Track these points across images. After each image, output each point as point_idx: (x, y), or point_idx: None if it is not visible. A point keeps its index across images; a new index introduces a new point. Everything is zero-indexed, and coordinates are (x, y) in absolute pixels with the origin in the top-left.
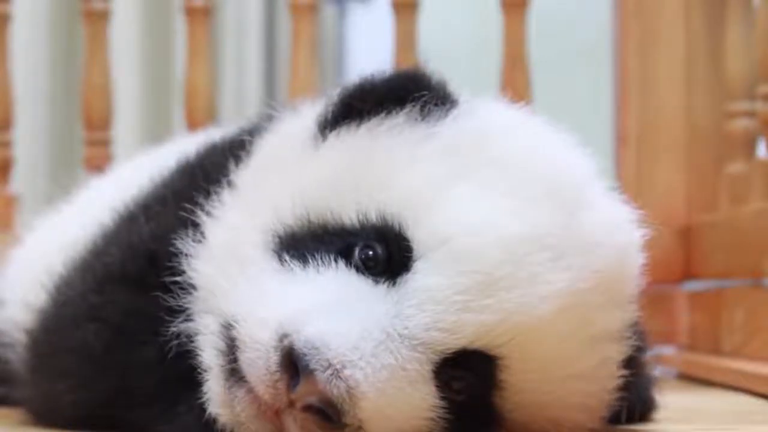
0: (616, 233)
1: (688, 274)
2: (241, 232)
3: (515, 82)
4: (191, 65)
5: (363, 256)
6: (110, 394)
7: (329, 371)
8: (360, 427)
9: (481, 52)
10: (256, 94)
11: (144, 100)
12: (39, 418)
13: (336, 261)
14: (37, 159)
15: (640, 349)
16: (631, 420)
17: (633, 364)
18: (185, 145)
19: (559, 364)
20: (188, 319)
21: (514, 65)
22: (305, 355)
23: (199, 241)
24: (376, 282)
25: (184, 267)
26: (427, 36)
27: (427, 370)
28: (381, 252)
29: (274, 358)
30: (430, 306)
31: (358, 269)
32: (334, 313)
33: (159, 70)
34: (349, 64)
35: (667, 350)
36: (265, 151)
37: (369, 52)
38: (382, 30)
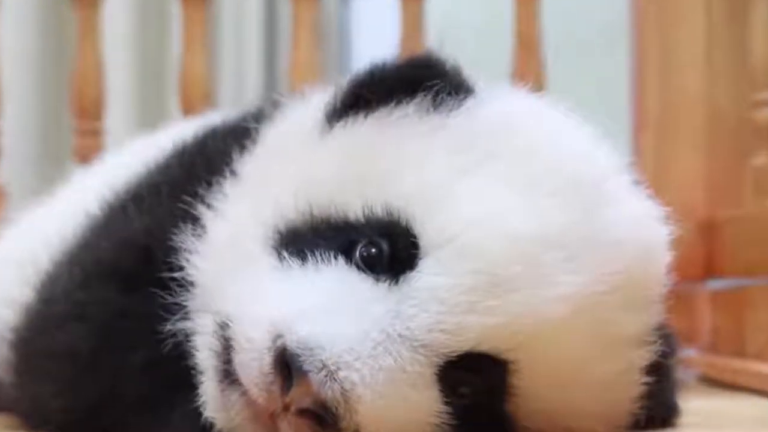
0: (639, 230)
1: (710, 272)
2: (244, 226)
3: (527, 67)
4: (188, 52)
5: (365, 254)
6: (100, 398)
7: (323, 372)
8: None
9: (491, 35)
10: (256, 82)
11: (138, 89)
12: (28, 421)
13: (336, 258)
14: (25, 150)
15: (665, 354)
16: (651, 425)
17: (658, 370)
18: (183, 130)
19: (574, 369)
20: (185, 318)
21: (527, 49)
22: (299, 355)
23: (199, 236)
24: (378, 280)
25: (182, 263)
26: (434, 20)
27: (429, 373)
28: (385, 249)
29: (268, 359)
30: (433, 306)
31: (359, 266)
32: (330, 313)
33: (154, 56)
34: (353, 50)
35: (689, 352)
36: (270, 140)
37: (374, 38)
38: (388, 14)
